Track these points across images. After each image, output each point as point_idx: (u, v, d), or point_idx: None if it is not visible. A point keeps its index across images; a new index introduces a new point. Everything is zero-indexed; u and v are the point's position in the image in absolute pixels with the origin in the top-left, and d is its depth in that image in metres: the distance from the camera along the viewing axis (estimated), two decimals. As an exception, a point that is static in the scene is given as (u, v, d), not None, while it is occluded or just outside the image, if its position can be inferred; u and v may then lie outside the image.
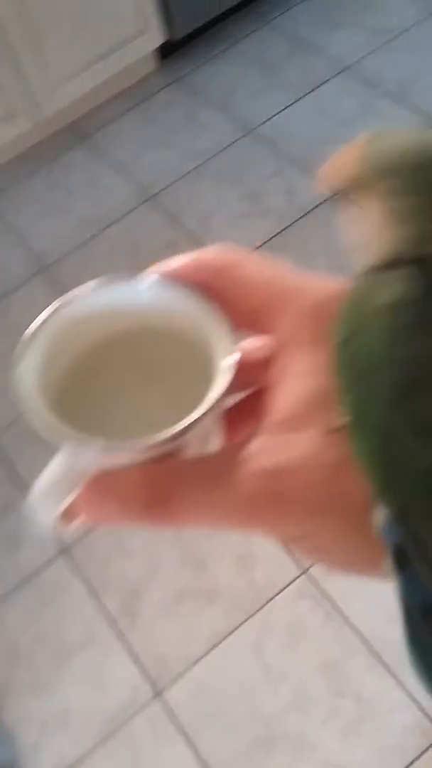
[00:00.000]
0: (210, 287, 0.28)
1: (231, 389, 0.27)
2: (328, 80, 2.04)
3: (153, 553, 1.39)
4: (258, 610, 1.29)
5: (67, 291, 0.29)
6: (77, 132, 2.11)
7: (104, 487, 0.27)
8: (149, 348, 0.32)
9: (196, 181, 1.92)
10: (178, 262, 0.28)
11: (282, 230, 1.76)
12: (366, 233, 0.23)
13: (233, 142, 1.97)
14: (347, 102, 1.98)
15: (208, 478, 0.26)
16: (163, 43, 2.12)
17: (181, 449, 0.28)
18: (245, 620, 1.29)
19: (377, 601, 1.20)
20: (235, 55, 2.17)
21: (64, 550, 1.43)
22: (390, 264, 0.22)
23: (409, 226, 0.22)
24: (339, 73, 2.05)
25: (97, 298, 0.30)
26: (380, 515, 0.22)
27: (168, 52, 2.19)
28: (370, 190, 0.23)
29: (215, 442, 0.30)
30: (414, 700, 1.16)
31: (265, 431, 0.26)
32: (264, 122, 1.99)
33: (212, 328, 0.28)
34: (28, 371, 0.29)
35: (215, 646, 1.28)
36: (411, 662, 0.22)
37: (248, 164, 1.91)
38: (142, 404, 0.31)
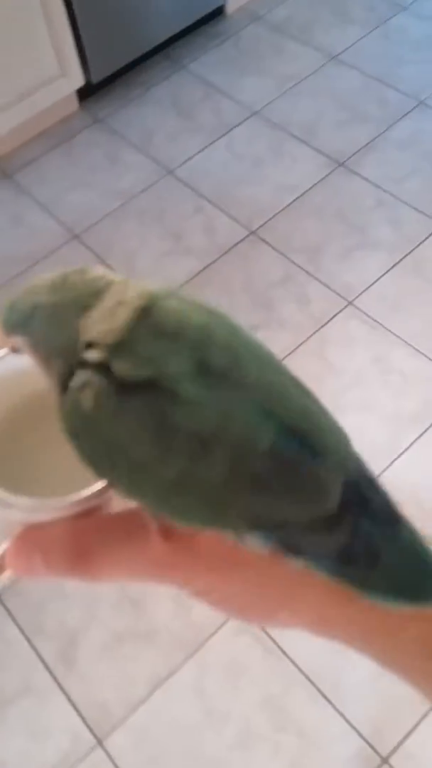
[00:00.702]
0: None
1: None
2: (239, 124, 1.95)
3: (89, 596, 1.23)
4: (197, 650, 1.16)
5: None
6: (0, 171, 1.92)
7: (30, 542, 0.25)
8: None
9: (119, 220, 1.78)
10: None
11: (204, 268, 1.65)
12: (36, 364, 0.24)
13: (154, 183, 1.84)
14: (257, 144, 1.89)
15: (126, 534, 0.25)
16: (83, 86, 1.96)
17: (107, 503, 0.27)
18: (185, 660, 1.16)
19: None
20: (151, 98, 2.05)
21: (-2, 597, 1.25)
22: (72, 371, 0.23)
23: (57, 353, 0.23)
24: (249, 117, 1.96)
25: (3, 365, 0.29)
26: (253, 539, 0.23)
27: (88, 94, 2.04)
28: (15, 338, 0.24)
29: None
30: (354, 728, 1.06)
31: None
32: (182, 164, 1.87)
33: None
34: None
35: (156, 688, 1.15)
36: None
37: (169, 204, 1.79)
38: (71, 458, 0.28)
